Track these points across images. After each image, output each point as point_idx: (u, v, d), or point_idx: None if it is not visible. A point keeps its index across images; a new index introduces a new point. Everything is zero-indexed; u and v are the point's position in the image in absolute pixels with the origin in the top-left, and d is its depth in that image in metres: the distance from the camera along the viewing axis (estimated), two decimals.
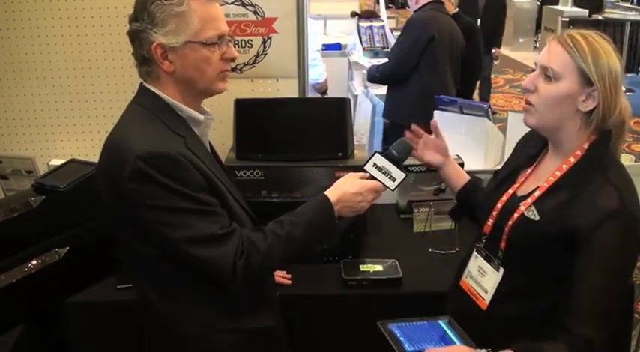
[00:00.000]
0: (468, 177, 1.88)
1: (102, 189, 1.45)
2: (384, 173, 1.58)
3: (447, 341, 1.50)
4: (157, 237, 1.39)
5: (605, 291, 1.39)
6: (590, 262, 1.39)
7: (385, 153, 1.60)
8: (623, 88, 1.53)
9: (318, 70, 4.35)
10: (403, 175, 1.59)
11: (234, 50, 1.49)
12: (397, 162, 1.59)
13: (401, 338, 1.49)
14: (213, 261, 1.39)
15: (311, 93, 3.76)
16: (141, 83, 1.49)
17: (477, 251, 1.63)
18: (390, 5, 10.16)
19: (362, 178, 1.58)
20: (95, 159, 1.52)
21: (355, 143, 2.26)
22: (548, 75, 1.45)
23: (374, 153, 1.61)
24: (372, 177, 1.58)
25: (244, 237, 1.42)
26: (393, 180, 1.58)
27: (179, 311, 1.48)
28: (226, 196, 1.47)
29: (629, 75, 8.00)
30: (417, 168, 2.39)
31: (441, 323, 1.56)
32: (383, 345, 1.54)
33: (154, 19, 1.38)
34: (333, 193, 1.53)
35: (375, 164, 1.59)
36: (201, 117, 1.50)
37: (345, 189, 1.54)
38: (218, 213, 1.42)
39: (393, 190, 1.61)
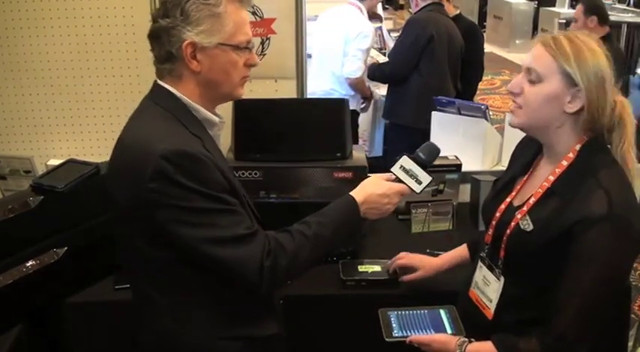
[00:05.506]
0: (463, 248, 1.88)
1: (115, 189, 1.42)
2: (410, 175, 1.57)
3: (438, 328, 1.52)
4: (177, 239, 1.35)
5: (586, 294, 1.37)
6: (576, 265, 1.38)
7: (412, 156, 1.59)
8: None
9: (353, 66, 4.01)
10: (429, 178, 1.58)
11: (256, 57, 1.49)
12: (424, 165, 1.58)
13: (393, 324, 1.54)
14: (240, 262, 1.36)
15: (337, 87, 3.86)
16: (155, 80, 1.46)
17: (480, 261, 1.63)
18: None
19: (387, 180, 1.57)
20: (94, 158, 1.52)
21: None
22: (532, 77, 1.44)
23: (401, 156, 1.60)
24: (398, 180, 1.58)
25: (270, 237, 1.40)
26: (419, 183, 1.57)
27: (182, 316, 1.45)
28: (242, 198, 1.45)
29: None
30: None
31: (441, 311, 1.59)
32: (381, 345, 1.54)
33: (188, 17, 1.37)
34: (359, 194, 1.52)
35: (402, 166, 1.58)
36: (216, 119, 1.48)
37: (371, 191, 1.53)
38: (241, 213, 1.40)
39: (419, 193, 1.60)
